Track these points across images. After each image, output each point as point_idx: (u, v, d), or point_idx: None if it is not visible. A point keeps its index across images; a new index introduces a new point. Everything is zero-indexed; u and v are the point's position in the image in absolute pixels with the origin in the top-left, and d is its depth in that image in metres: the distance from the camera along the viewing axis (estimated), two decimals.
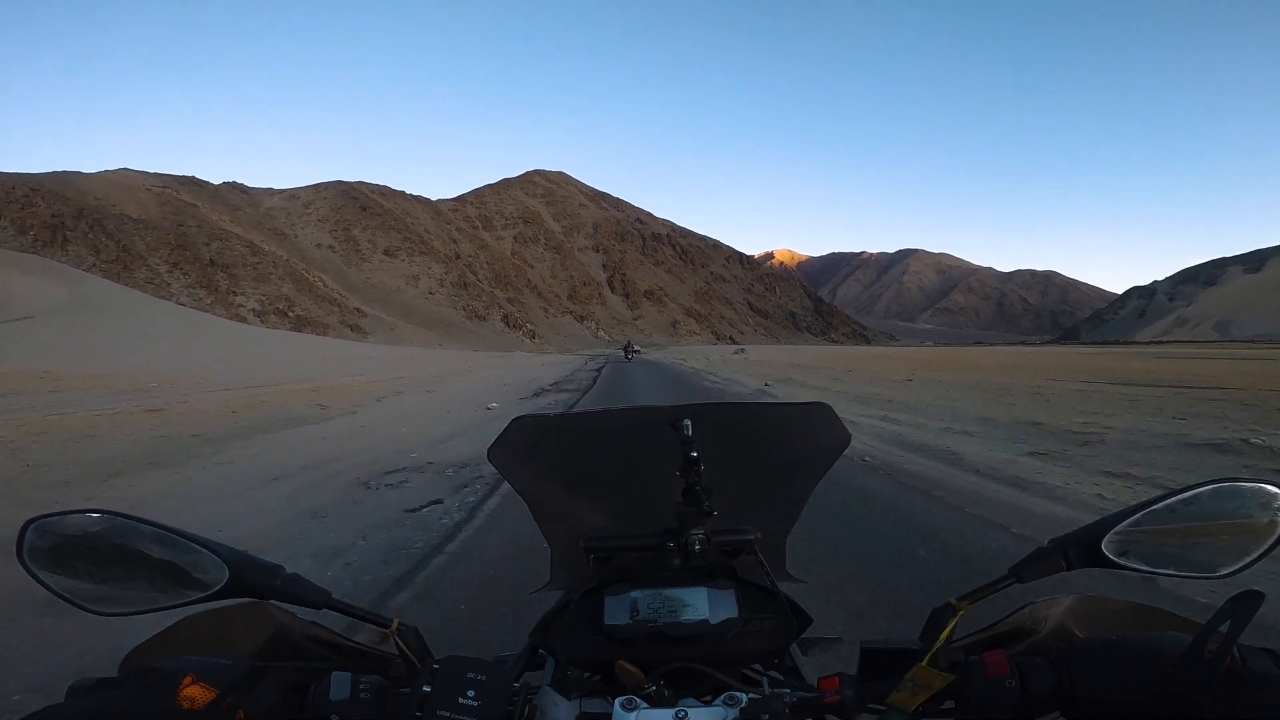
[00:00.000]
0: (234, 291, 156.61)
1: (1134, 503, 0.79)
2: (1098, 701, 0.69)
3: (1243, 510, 0.77)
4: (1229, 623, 0.61)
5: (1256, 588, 0.63)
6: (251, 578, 0.75)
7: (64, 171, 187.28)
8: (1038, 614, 0.90)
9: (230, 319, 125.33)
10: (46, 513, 0.75)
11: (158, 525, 0.75)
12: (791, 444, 1.15)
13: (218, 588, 0.74)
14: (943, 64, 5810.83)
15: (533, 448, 1.12)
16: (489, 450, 1.11)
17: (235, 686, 0.69)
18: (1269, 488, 0.77)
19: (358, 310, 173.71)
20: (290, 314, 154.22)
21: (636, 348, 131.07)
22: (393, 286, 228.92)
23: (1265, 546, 0.76)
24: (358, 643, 0.96)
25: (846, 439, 1.15)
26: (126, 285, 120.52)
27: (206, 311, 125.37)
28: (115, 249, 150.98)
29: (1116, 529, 0.77)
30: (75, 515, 0.76)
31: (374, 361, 43.67)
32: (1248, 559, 0.76)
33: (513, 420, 1.11)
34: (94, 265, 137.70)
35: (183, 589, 0.75)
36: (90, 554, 0.75)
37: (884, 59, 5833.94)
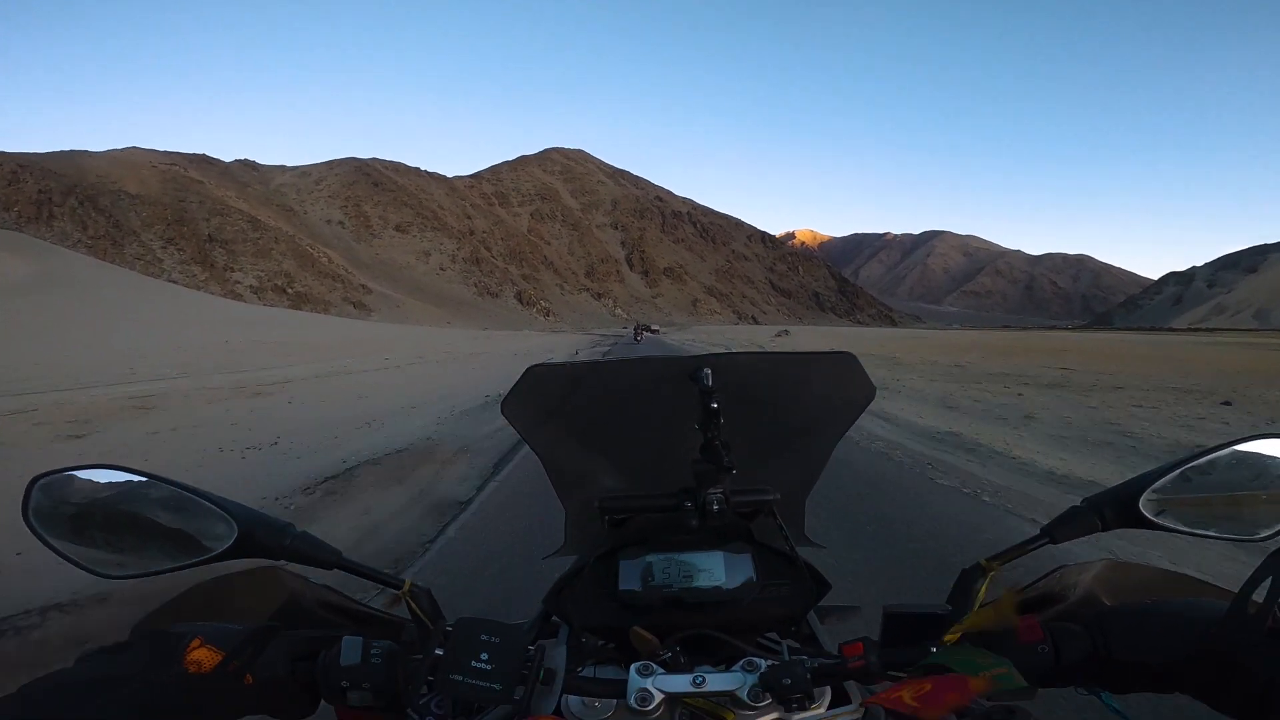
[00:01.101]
0: (231, 268, 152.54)
1: (1173, 459, 0.76)
2: (1134, 665, 0.67)
3: None
4: (1270, 581, 0.58)
5: None
6: (261, 536, 0.74)
7: (70, 151, 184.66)
8: (1067, 579, 0.87)
9: (225, 296, 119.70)
10: (52, 469, 0.73)
11: (166, 480, 0.74)
12: (814, 397, 1.11)
13: (226, 546, 0.73)
14: (971, 41, 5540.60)
15: (548, 399, 1.08)
16: (503, 403, 1.06)
17: (242, 649, 0.68)
18: None
19: (363, 287, 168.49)
20: (289, 290, 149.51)
21: (654, 327, 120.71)
22: (402, 262, 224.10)
23: None
24: (371, 607, 0.95)
25: (871, 392, 1.11)
26: (114, 262, 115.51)
27: (200, 289, 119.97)
28: (105, 225, 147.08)
29: (1154, 487, 0.74)
30: (81, 470, 0.74)
31: (351, 344, 35.95)
32: None
33: (526, 370, 1.06)
34: (79, 241, 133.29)
35: (191, 549, 0.74)
36: (96, 513, 0.74)
37: (909, 35, 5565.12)
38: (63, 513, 0.73)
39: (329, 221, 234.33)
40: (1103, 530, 0.77)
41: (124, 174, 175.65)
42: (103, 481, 0.74)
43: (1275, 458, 0.73)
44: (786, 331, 65.30)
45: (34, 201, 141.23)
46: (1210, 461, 0.74)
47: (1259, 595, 0.59)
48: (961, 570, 0.79)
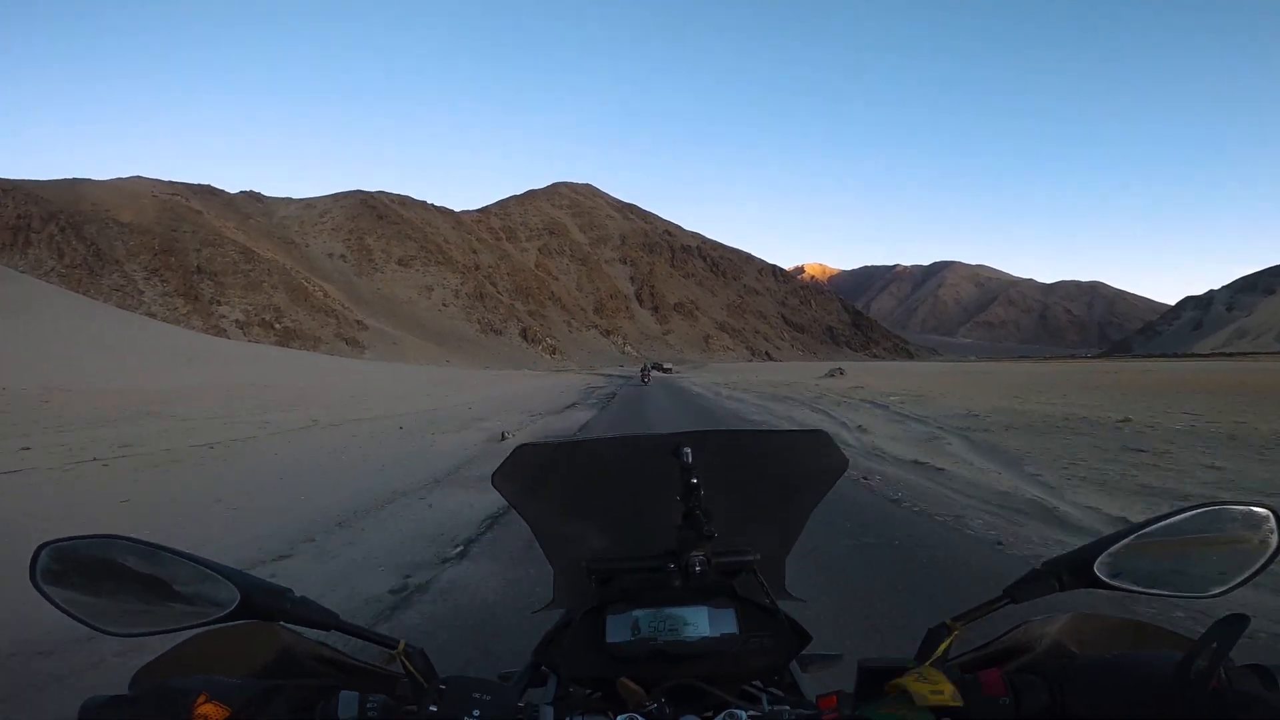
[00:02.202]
0: (218, 300, 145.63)
1: (1128, 525, 0.80)
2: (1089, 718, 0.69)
3: (1233, 532, 0.79)
4: (1214, 644, 0.62)
5: (1243, 611, 0.65)
6: (261, 600, 0.76)
7: (73, 179, 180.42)
8: (1033, 631, 0.91)
9: (205, 329, 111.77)
10: (59, 537, 0.77)
11: (170, 550, 0.77)
12: (790, 468, 1.16)
13: (228, 610, 0.75)
14: (970, 69, 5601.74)
15: (536, 474, 1.12)
16: (493, 476, 1.11)
17: (248, 705, 0.70)
18: (1257, 510, 0.79)
19: (358, 323, 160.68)
20: (277, 325, 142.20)
21: (666, 365, 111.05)
22: (404, 297, 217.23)
23: (1256, 567, 0.78)
24: (364, 662, 0.97)
25: (844, 464, 1.15)
26: (87, 292, 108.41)
27: (179, 322, 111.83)
28: (84, 253, 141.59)
29: (1110, 550, 0.78)
30: (89, 540, 0.77)
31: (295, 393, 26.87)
32: (1238, 579, 0.78)
33: (516, 448, 1.12)
34: (53, 270, 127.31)
35: (193, 612, 0.76)
36: (103, 577, 0.77)
37: (909, 65, 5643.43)
38: (70, 576, 0.76)
39: (330, 255, 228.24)
40: (1060, 590, 0.80)
41: (121, 202, 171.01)
42: (109, 549, 0.77)
43: (1222, 522, 0.79)
44: (840, 370, 54.57)
45: (10, 227, 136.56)
46: (1163, 527, 0.78)
47: (1208, 653, 0.63)
48: (928, 629, 0.82)
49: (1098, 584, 0.78)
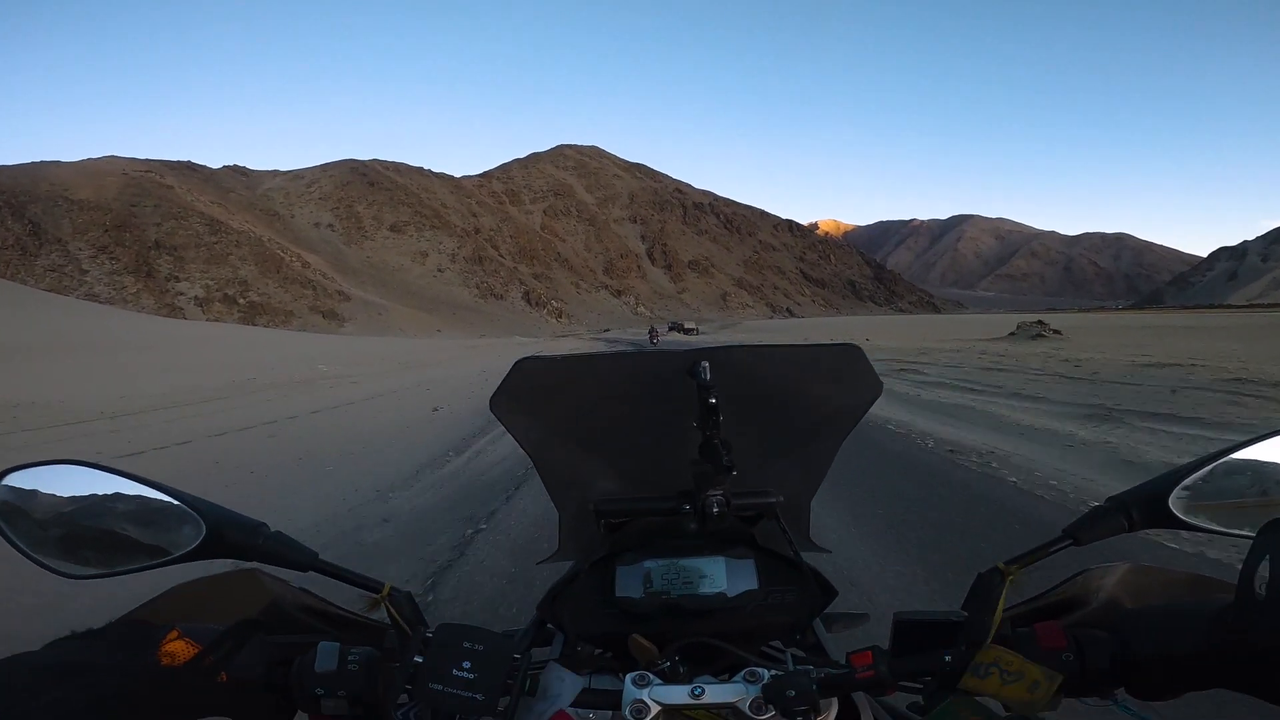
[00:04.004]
0: (176, 276, 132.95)
1: (1204, 455, 0.71)
2: (1156, 661, 0.64)
3: None
4: (1268, 557, 0.56)
5: None
6: (231, 535, 0.71)
7: (40, 162, 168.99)
8: (1090, 583, 0.83)
9: (157, 308, 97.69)
10: (15, 465, 0.71)
11: (134, 477, 0.72)
12: (818, 392, 1.05)
13: (194, 546, 0.70)
14: (986, 18, 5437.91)
15: (539, 395, 1.02)
16: (491, 399, 1.00)
17: (219, 645, 0.66)
18: None
19: (338, 293, 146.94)
20: (241, 300, 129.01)
21: (688, 324, 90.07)
22: (395, 264, 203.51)
23: None
24: (352, 612, 0.90)
25: (878, 388, 1.04)
26: (18, 274, 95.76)
27: (126, 303, 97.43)
28: (22, 231, 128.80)
29: (1184, 484, 0.70)
30: (45, 466, 0.72)
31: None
32: None
33: (516, 363, 1.00)
34: None
35: (158, 548, 0.71)
36: (61, 510, 0.72)
37: (922, 13, 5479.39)
38: (26, 508, 0.71)
39: (317, 225, 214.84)
40: (1129, 530, 0.73)
41: (84, 181, 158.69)
42: (67, 476, 0.72)
43: None
44: (1043, 324, 36.32)
45: None
46: (1244, 457, 0.70)
47: (1265, 573, 0.56)
48: (978, 574, 0.74)
49: (1173, 522, 0.70)
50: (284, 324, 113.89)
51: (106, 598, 1.45)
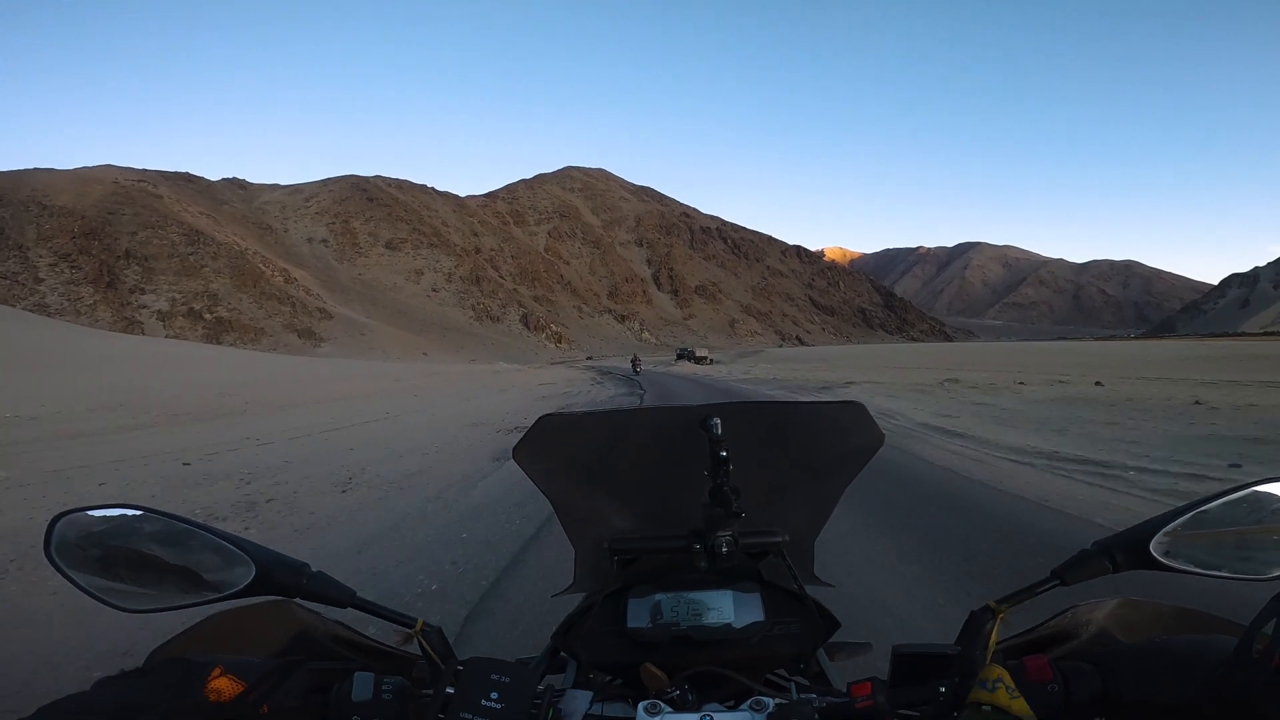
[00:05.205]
0: (141, 288, 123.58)
1: (1183, 503, 0.76)
2: (1142, 705, 0.67)
3: None
4: (1274, 620, 0.59)
5: None
6: (278, 575, 0.75)
7: (30, 169, 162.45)
8: (1079, 617, 0.88)
9: (111, 321, 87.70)
10: (74, 507, 0.75)
11: (186, 521, 0.75)
12: (823, 444, 1.12)
13: (244, 585, 0.74)
14: (990, 46, 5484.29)
15: (559, 447, 1.10)
16: (514, 449, 1.08)
17: (263, 681, 0.70)
18: None
19: (319, 311, 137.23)
20: (208, 315, 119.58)
21: (699, 352, 73.69)
22: (387, 283, 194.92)
23: None
24: (382, 643, 0.96)
25: (880, 439, 1.11)
26: None
27: (78, 314, 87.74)
28: None
29: (1165, 529, 0.74)
30: (104, 510, 0.75)
31: None
32: None
33: (538, 419, 1.08)
34: None
35: (209, 586, 0.75)
36: (118, 550, 0.75)
37: (927, 43, 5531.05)
38: (85, 549, 0.74)
39: (310, 239, 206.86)
40: (1113, 572, 0.76)
41: (67, 188, 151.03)
42: (124, 519, 0.76)
43: None
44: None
45: None
46: (1222, 505, 0.74)
47: (1269, 631, 0.59)
48: (970, 612, 0.78)
49: (1153, 564, 0.74)
50: (252, 342, 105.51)
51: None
